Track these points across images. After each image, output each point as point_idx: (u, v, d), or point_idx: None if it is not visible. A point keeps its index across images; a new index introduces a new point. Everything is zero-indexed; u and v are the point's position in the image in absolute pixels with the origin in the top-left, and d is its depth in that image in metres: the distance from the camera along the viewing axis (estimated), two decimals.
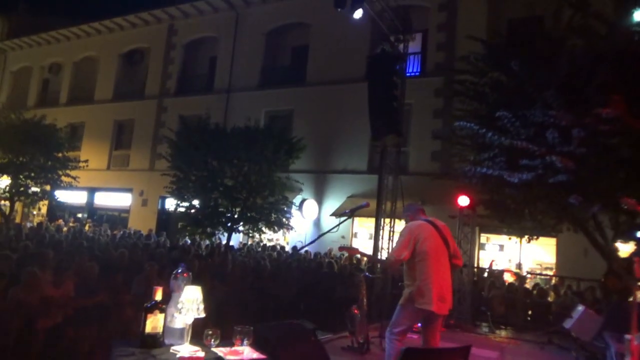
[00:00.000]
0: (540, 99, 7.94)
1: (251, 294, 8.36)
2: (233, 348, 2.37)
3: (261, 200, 13.91)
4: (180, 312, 2.37)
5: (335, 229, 8.42)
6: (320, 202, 16.58)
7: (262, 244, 14.37)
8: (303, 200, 16.12)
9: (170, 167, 14.70)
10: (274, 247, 14.31)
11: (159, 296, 2.42)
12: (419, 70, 16.11)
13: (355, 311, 6.26)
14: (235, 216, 13.90)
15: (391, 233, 10.70)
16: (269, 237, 15.67)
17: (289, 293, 9.02)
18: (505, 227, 10.83)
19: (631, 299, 8.99)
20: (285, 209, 14.52)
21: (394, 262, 4.28)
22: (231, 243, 14.09)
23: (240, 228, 14.12)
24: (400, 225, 11.02)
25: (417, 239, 4.29)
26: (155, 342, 2.37)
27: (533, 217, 9.54)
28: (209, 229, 13.94)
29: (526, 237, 10.71)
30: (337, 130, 16.48)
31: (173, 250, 11.26)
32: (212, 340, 2.49)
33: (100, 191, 22.15)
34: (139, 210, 20.72)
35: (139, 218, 20.03)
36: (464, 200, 9.12)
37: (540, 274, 13.00)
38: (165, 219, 19.58)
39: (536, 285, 11.18)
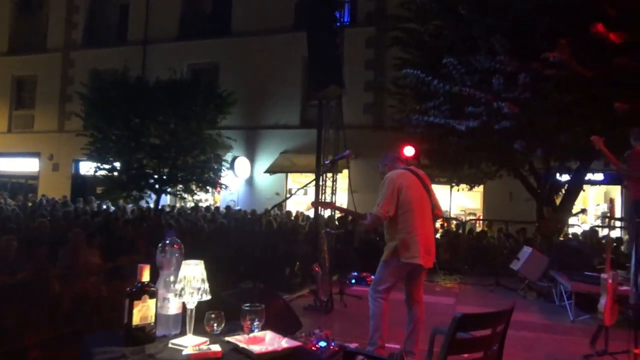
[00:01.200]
0: (486, 45, 7.79)
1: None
2: (251, 334, 1.85)
3: (192, 159, 13.10)
4: (180, 295, 1.79)
5: (311, 185, 7.98)
6: (252, 159, 15.89)
7: (194, 205, 13.56)
8: (234, 158, 15.37)
9: (84, 127, 13.27)
10: (208, 208, 13.56)
11: (146, 276, 1.81)
12: (348, 19, 15.53)
13: (317, 269, 5.90)
14: (164, 177, 12.96)
15: (333, 188, 10.39)
16: (197, 198, 14.89)
17: (230, 254, 8.54)
18: (444, 177, 10.93)
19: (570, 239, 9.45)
20: (216, 167, 13.82)
21: (380, 218, 3.87)
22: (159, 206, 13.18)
23: (169, 190, 13.23)
24: (343, 180, 10.79)
25: (400, 189, 3.91)
26: (147, 335, 1.78)
27: (474, 165, 9.63)
28: (135, 192, 12.92)
29: (464, 185, 10.88)
30: (267, 83, 15.61)
31: (97, 217, 10.19)
32: (216, 325, 1.94)
33: (1, 157, 19.73)
34: (50, 175, 18.76)
35: (50, 184, 18.12)
36: (409, 151, 8.94)
37: (477, 219, 13.47)
38: (80, 183, 17.94)
39: (471, 230, 11.50)
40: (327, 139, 10.00)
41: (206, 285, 1.82)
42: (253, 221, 11.46)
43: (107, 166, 12.80)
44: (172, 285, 1.90)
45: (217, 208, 13.85)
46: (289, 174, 15.70)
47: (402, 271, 3.92)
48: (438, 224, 12.33)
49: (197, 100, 12.63)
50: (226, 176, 14.41)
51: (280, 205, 13.21)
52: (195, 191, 13.78)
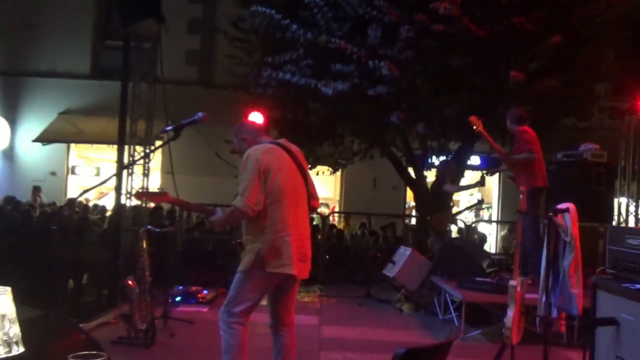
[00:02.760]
0: None
1: None
2: None
3: None
4: None
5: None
6: (13, 120, 14.70)
7: None
8: None
9: None
10: None
11: None
12: None
13: (131, 283, 5.46)
14: None
15: (146, 168, 9.86)
16: None
17: None
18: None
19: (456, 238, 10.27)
20: None
21: (245, 212, 3.63)
22: None
23: None
24: (156, 158, 10.27)
25: (268, 171, 3.70)
26: None
27: (337, 141, 9.92)
28: None
29: (324, 167, 11.18)
30: (39, 11, 14.23)
31: None
32: None
33: None
34: None
35: None
36: (256, 119, 8.83)
37: (331, 212, 13.99)
38: None
39: (326, 226, 11.81)
40: (137, 96, 9.44)
41: (16, 330, 1.43)
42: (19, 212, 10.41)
43: None
44: None
45: None
46: (72, 145, 15.01)
47: (267, 285, 3.78)
48: None
49: None
50: None
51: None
52: None
